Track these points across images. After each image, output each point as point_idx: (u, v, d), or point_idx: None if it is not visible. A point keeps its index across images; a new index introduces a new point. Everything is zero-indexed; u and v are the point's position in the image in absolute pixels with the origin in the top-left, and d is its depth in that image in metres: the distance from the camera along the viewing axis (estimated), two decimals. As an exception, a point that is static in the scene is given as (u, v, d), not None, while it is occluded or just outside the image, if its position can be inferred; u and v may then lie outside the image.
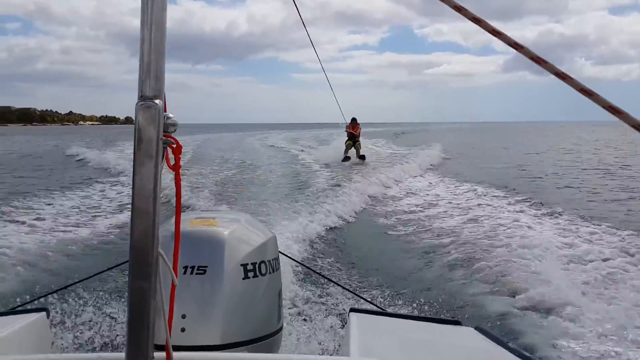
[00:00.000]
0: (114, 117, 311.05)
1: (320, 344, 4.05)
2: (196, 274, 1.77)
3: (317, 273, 5.04)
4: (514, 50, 0.90)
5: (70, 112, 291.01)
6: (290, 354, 1.43)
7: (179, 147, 1.05)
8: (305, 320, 4.57)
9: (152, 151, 0.95)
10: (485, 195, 12.07)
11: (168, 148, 1.03)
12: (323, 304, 4.92)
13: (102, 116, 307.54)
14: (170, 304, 1.02)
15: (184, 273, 1.74)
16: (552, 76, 0.85)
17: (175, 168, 1.06)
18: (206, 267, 1.77)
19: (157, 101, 0.96)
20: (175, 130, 1.03)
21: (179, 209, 1.08)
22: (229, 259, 1.81)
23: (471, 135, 62.86)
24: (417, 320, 2.19)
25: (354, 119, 21.19)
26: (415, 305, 4.97)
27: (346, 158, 20.21)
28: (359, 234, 8.70)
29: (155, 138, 0.96)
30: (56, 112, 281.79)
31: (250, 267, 1.88)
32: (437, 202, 11.44)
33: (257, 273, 1.91)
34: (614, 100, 0.78)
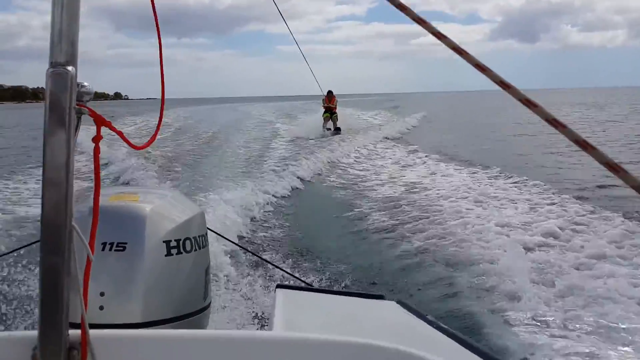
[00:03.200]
0: (104, 93, 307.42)
1: (247, 320, 4.09)
2: (115, 250, 1.72)
3: (246, 250, 5.05)
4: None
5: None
6: (213, 330, 1.43)
7: (99, 117, 1.00)
8: (234, 297, 4.59)
9: (64, 121, 0.90)
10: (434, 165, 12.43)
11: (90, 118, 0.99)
12: (252, 282, 4.94)
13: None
14: (85, 280, 0.98)
15: (103, 250, 1.70)
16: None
17: (95, 140, 1.02)
18: (126, 243, 1.74)
19: (69, 68, 0.91)
20: (90, 99, 0.97)
21: (97, 182, 1.03)
22: (150, 236, 1.78)
23: (451, 104, 63.89)
24: (342, 295, 2.22)
25: (330, 92, 21.59)
26: (344, 280, 5.04)
27: (328, 129, 20.90)
28: (300, 207, 8.80)
29: (67, 107, 0.91)
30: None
31: (173, 243, 1.84)
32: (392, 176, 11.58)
33: (181, 250, 1.87)
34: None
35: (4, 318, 4.06)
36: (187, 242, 1.92)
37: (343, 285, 4.91)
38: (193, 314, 1.92)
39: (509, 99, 0.87)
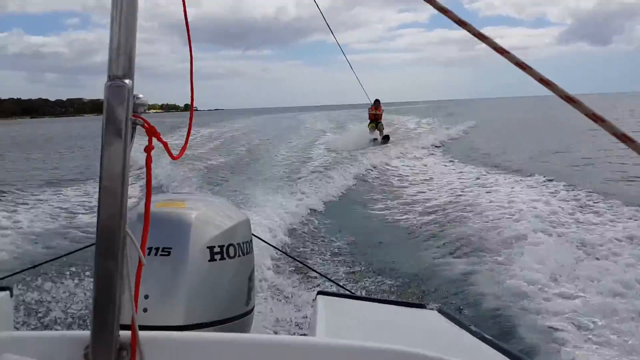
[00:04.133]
0: (175, 105, 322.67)
1: (290, 325, 4.17)
2: (160, 255, 1.76)
3: (289, 256, 5.12)
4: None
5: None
6: (257, 334, 1.51)
7: (151, 128, 1.04)
8: (277, 302, 4.69)
9: (121, 131, 0.95)
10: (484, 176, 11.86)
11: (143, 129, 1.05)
12: (295, 288, 5.02)
13: (164, 104, 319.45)
14: (137, 284, 1.04)
15: (149, 254, 1.75)
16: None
17: (147, 150, 1.05)
18: (171, 248, 1.77)
19: (126, 81, 0.96)
20: (145, 111, 1.03)
21: (149, 190, 1.08)
22: (195, 241, 1.81)
23: (517, 109, 60.95)
24: (383, 303, 2.23)
25: (377, 100, 21.68)
26: (385, 288, 5.01)
27: (374, 139, 20.63)
28: (341, 215, 8.79)
29: (124, 118, 0.95)
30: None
31: (217, 249, 1.88)
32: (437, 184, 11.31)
33: (225, 256, 1.90)
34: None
35: (58, 318, 4.30)
36: (231, 248, 1.94)
37: (384, 293, 4.87)
38: (235, 318, 1.94)
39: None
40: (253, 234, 2.31)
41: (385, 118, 23.00)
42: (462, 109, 61.43)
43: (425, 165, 14.60)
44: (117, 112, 0.96)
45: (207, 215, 1.96)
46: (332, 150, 18.73)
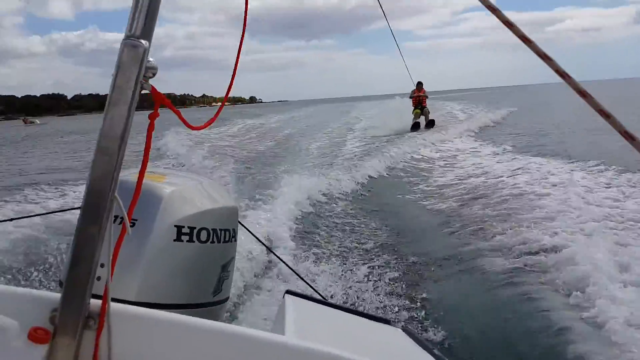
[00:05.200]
0: (241, 98, 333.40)
1: (260, 320, 4.11)
2: (119, 224, 1.79)
3: (270, 250, 5.04)
4: None
5: (204, 95, 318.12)
6: (232, 325, 1.46)
7: (159, 95, 1.01)
8: (250, 297, 4.67)
9: (129, 92, 0.92)
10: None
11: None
12: (271, 284, 4.96)
13: (230, 97, 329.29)
14: (115, 252, 1.04)
15: (114, 222, 1.79)
16: None
17: (151, 117, 1.02)
18: (136, 220, 1.71)
19: (143, 41, 0.93)
20: (153, 75, 1.00)
21: (146, 158, 1.07)
22: (162, 217, 1.75)
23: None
24: (349, 312, 2.13)
25: (419, 83, 20.71)
26: (353, 298, 4.77)
27: (415, 125, 19.90)
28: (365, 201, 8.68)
29: (135, 79, 0.93)
30: (192, 95, 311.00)
31: (186, 230, 1.80)
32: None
33: (194, 238, 1.82)
34: None
35: (29, 276, 4.27)
36: (204, 231, 1.85)
37: (350, 303, 4.67)
38: (197, 306, 1.86)
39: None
40: (240, 223, 2.20)
41: (433, 106, 22.48)
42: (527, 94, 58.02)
43: (459, 151, 14.25)
44: (129, 72, 0.92)
45: (184, 194, 1.86)
46: (367, 137, 18.68)
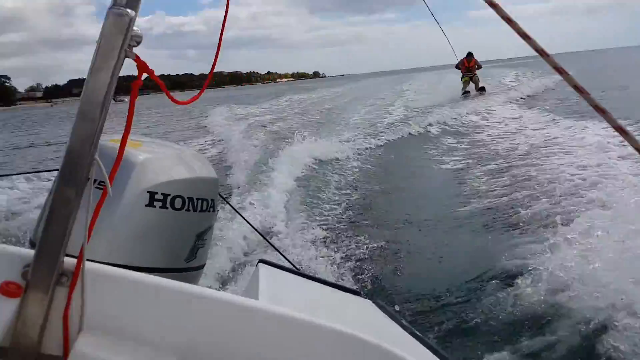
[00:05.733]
0: (304, 73, 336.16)
1: (231, 288, 4.21)
2: (95, 188, 1.86)
3: (247, 222, 5.01)
4: None
5: (269, 71, 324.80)
6: (208, 289, 1.57)
7: (143, 64, 1.03)
8: (226, 263, 4.74)
9: (112, 60, 0.94)
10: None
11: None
12: (248, 252, 5.01)
13: (294, 73, 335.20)
14: (95, 214, 1.08)
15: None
16: None
17: (134, 84, 1.04)
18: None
19: (129, 10, 0.95)
20: (138, 44, 1.02)
21: (129, 126, 1.10)
22: (134, 182, 1.77)
23: None
24: (320, 283, 2.15)
25: (469, 54, 21.55)
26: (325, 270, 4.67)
27: (465, 93, 20.72)
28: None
29: (119, 47, 0.94)
30: (257, 72, 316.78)
31: (159, 196, 1.82)
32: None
33: (168, 205, 1.84)
34: None
35: (6, 233, 4.47)
36: (178, 199, 1.87)
37: (321, 274, 4.53)
38: (167, 271, 1.88)
39: None
40: (220, 195, 2.21)
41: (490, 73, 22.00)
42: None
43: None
44: (113, 40, 0.95)
45: (158, 161, 1.89)
46: (415, 107, 18.68)
